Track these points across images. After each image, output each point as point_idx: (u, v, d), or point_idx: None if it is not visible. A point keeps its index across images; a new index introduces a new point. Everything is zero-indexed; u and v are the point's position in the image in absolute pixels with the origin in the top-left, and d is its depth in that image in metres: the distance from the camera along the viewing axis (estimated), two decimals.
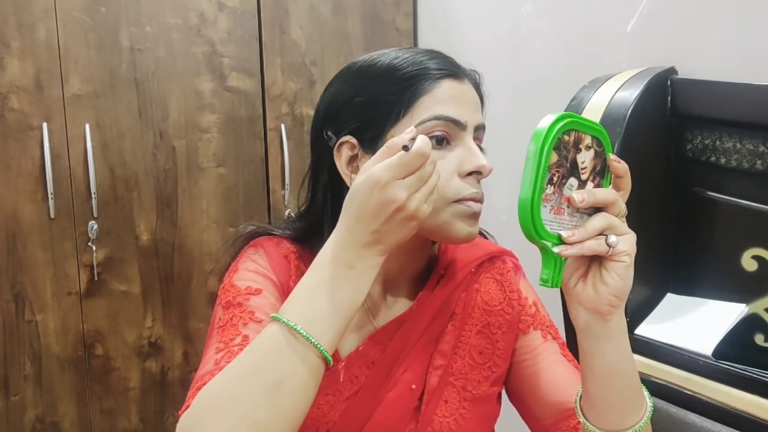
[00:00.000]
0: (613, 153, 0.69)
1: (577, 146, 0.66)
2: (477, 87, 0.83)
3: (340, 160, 0.79)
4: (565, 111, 1.22)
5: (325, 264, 0.68)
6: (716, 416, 1.04)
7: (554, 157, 0.64)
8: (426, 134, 0.74)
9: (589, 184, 0.68)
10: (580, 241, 0.64)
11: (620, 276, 0.66)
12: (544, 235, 0.64)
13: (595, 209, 0.67)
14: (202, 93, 1.81)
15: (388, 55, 0.80)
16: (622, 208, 0.68)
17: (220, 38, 1.81)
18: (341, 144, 0.79)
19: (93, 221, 1.70)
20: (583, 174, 0.67)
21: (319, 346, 0.66)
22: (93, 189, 1.69)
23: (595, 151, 0.68)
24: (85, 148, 1.68)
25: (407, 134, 0.67)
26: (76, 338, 1.73)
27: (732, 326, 1.09)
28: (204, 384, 0.68)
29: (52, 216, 1.66)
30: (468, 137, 0.77)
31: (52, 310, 1.69)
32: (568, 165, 0.66)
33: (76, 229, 1.70)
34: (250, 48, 1.85)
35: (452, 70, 0.79)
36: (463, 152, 0.77)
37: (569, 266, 0.68)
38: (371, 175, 0.66)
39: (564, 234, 0.64)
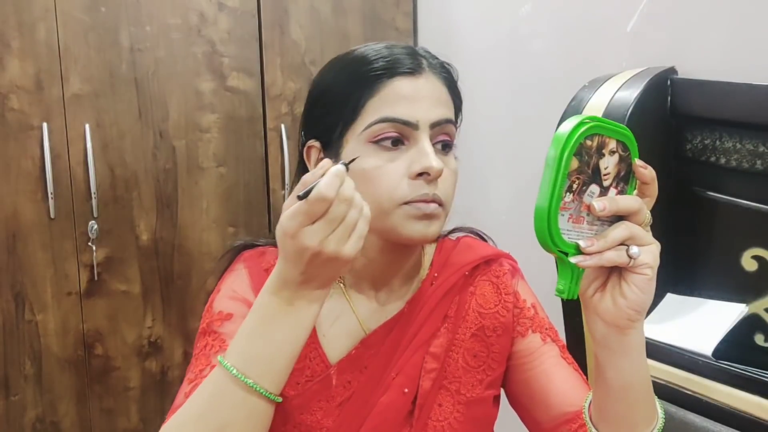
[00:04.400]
0: (639, 158, 0.66)
1: (600, 151, 0.63)
2: (447, 80, 0.80)
3: (310, 163, 0.80)
4: (565, 111, 1.23)
5: (265, 303, 0.67)
6: (716, 416, 1.04)
7: (575, 164, 0.61)
8: (376, 137, 0.74)
9: (612, 191, 0.65)
10: (599, 252, 0.61)
11: (641, 289, 0.62)
12: (561, 245, 0.61)
13: (617, 217, 0.63)
14: (202, 93, 1.81)
15: (352, 53, 0.80)
16: (647, 216, 0.64)
17: (220, 38, 1.81)
18: (309, 147, 0.80)
19: (93, 221, 1.70)
20: (605, 180, 0.64)
21: (257, 388, 0.66)
22: (93, 189, 1.69)
23: (620, 156, 0.64)
24: (85, 148, 1.68)
25: (318, 170, 0.63)
26: (76, 338, 1.73)
27: (732, 326, 1.09)
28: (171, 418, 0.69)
29: (52, 216, 1.66)
30: (422, 136, 0.75)
31: (52, 310, 1.69)
32: (590, 171, 0.62)
33: (76, 229, 1.70)
34: (250, 48, 1.85)
35: (407, 67, 0.76)
36: (414, 153, 0.75)
37: (587, 276, 0.65)
38: (281, 225, 0.63)
39: (582, 244, 0.61)
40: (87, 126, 1.68)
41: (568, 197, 0.61)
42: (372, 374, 0.80)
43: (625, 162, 0.65)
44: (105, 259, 1.74)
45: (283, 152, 1.90)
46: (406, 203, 0.74)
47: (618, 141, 0.64)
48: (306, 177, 0.63)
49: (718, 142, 1.14)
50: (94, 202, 1.70)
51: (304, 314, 0.67)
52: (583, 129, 0.61)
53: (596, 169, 0.63)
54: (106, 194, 1.72)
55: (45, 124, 1.63)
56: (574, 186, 0.62)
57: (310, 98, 0.82)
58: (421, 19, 2.08)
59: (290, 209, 0.63)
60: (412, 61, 0.77)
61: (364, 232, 0.64)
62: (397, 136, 0.75)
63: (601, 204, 0.62)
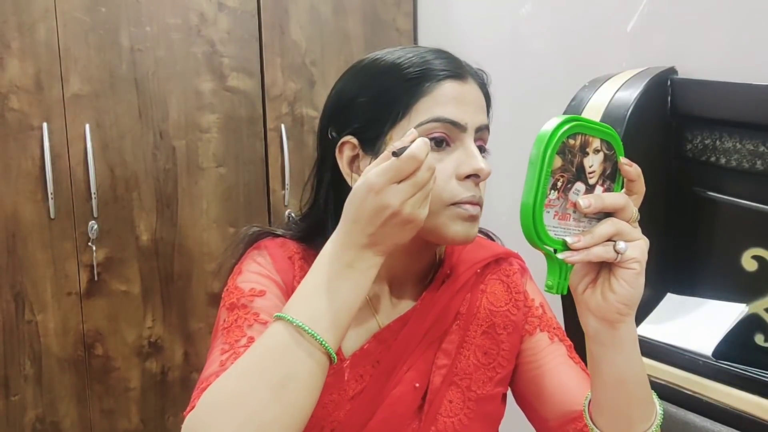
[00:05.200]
0: (624, 156, 0.67)
1: (584, 150, 0.64)
2: (483, 87, 0.82)
3: (342, 160, 0.80)
4: (565, 111, 1.23)
5: (326, 264, 0.69)
6: (716, 416, 1.04)
7: (558, 162, 0.62)
8: (425, 136, 0.74)
9: (599, 189, 0.66)
10: (586, 248, 0.63)
11: (629, 284, 0.64)
12: (546, 241, 0.63)
13: (606, 214, 0.65)
14: (202, 93, 1.81)
15: (392, 54, 0.80)
16: (634, 212, 0.65)
17: (220, 38, 1.81)
18: (343, 144, 0.80)
19: (93, 221, 1.70)
20: (591, 178, 0.65)
21: (324, 342, 0.66)
22: (93, 189, 1.69)
23: (605, 155, 0.66)
24: (85, 148, 1.68)
25: (407, 136, 0.67)
26: (76, 338, 1.72)
27: (732, 326, 1.09)
28: (209, 384, 0.68)
29: (52, 216, 1.66)
30: (468, 139, 0.77)
31: (52, 310, 1.69)
32: (574, 169, 0.64)
33: (76, 229, 1.70)
34: (250, 48, 1.85)
35: (455, 70, 0.78)
36: (461, 155, 0.77)
37: (578, 272, 0.67)
38: (367, 180, 0.66)
39: (569, 240, 0.63)
40: (87, 126, 1.68)
41: (553, 195, 0.63)
42: (384, 368, 0.81)
43: (610, 160, 0.67)
44: (105, 259, 1.74)
45: (283, 152, 1.90)
46: (454, 204, 0.76)
47: (602, 140, 0.66)
48: (396, 143, 0.67)
49: (718, 142, 1.14)
50: (94, 202, 1.69)
51: (364, 277, 0.68)
52: (565, 128, 0.62)
53: (581, 168, 0.65)
54: (106, 194, 1.72)
55: (45, 124, 1.63)
56: (559, 183, 0.63)
57: (343, 97, 0.82)
58: (422, 19, 2.08)
59: (381, 166, 0.65)
60: (457, 66, 0.79)
61: (429, 202, 0.68)
62: (444, 137, 0.76)
63: (587, 201, 0.64)
